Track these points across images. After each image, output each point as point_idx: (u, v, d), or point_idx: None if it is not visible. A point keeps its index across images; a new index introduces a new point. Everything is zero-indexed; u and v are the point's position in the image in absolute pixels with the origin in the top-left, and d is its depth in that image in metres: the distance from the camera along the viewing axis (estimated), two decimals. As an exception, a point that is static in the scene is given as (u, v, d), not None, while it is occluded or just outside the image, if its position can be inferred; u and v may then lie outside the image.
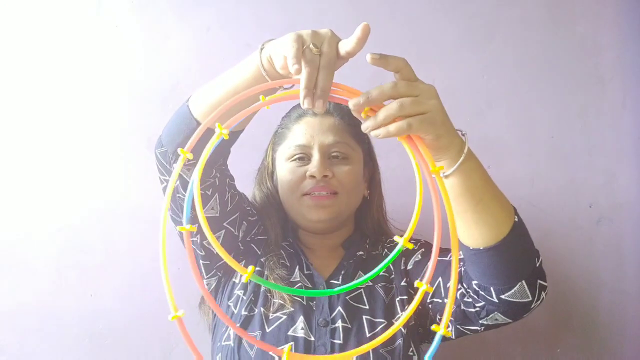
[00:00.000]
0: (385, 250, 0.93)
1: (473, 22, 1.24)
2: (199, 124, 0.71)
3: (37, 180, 1.12)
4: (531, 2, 1.26)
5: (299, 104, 0.94)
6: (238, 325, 0.79)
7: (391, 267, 0.87)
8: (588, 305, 1.18)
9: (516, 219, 0.66)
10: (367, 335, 0.79)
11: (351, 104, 0.56)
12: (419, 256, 0.87)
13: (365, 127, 0.57)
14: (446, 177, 0.62)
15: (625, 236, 1.21)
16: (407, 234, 0.51)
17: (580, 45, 1.25)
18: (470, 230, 0.65)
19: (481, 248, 0.65)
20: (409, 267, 0.87)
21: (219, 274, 0.88)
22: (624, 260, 1.20)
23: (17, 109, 1.14)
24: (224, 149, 0.81)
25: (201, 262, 0.86)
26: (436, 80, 1.23)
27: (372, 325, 0.80)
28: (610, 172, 1.22)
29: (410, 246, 0.52)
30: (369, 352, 0.74)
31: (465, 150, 0.61)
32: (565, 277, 1.19)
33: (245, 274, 0.48)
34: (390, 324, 0.80)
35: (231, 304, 0.84)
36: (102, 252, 1.11)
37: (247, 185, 0.97)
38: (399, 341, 0.79)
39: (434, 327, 0.52)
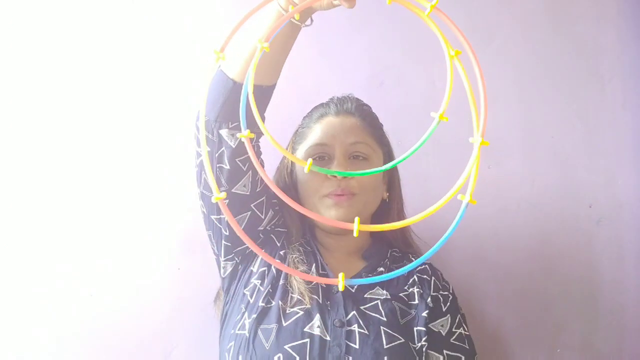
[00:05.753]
0: (415, 276, 0.89)
1: (473, 22, 1.24)
2: (235, 83, 0.74)
3: (35, 179, 1.12)
4: (531, 2, 1.26)
5: (320, 105, 0.96)
6: (254, 316, 0.79)
7: (415, 293, 0.86)
8: (588, 305, 1.18)
9: None
10: (385, 346, 0.77)
11: None
12: (442, 305, 0.86)
13: None
14: None
15: (625, 236, 1.21)
16: (442, 110, 0.48)
17: (580, 45, 1.25)
18: None
19: None
20: (429, 304, 0.85)
21: (236, 259, 0.88)
22: (624, 260, 1.20)
23: (16, 108, 1.14)
24: (259, 106, 0.82)
25: (223, 242, 0.86)
26: (436, 80, 1.24)
27: (390, 339, 0.78)
28: (610, 172, 1.22)
29: (445, 119, 0.48)
30: None
31: None
32: (565, 277, 1.19)
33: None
34: (406, 344, 0.79)
35: (247, 293, 0.84)
36: (102, 252, 1.11)
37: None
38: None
39: (460, 196, 0.48)
